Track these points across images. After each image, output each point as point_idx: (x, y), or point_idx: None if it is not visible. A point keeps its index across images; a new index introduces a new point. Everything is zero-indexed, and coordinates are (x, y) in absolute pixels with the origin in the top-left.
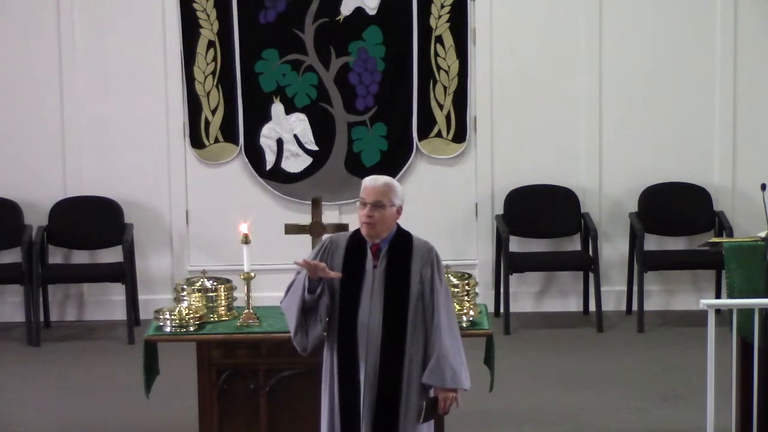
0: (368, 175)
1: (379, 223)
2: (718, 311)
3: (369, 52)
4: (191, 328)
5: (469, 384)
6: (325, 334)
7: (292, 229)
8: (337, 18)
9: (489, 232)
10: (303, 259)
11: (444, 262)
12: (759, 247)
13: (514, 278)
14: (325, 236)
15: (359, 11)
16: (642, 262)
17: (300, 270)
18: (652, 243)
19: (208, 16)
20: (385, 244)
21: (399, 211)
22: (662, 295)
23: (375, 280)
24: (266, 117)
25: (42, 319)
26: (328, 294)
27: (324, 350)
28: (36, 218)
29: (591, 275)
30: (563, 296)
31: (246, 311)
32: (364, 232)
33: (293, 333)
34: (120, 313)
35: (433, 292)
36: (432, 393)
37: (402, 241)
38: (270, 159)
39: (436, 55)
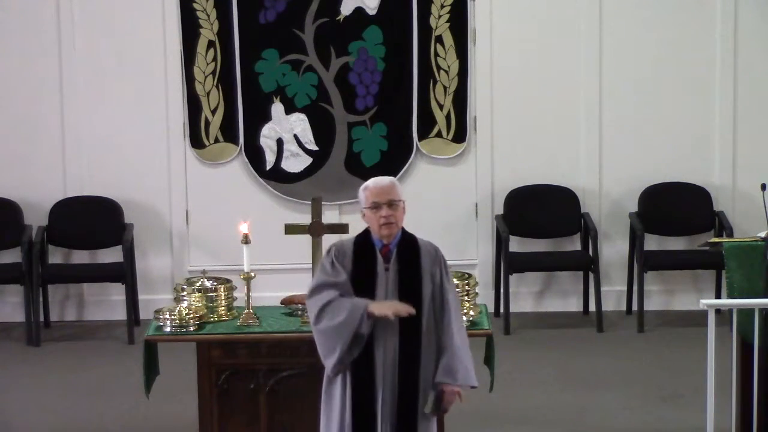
0: (368, 175)
1: (398, 221)
2: (718, 311)
3: (369, 52)
4: (191, 328)
5: (476, 381)
6: None
7: (292, 229)
8: (337, 18)
9: (489, 232)
10: (405, 310)
11: None
12: (759, 247)
13: (514, 278)
14: (328, 246)
15: (359, 11)
16: (642, 262)
17: (336, 291)
18: (652, 243)
19: (208, 16)
20: (394, 245)
21: (404, 209)
22: (662, 295)
23: (388, 283)
24: (266, 117)
25: (42, 319)
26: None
27: None
28: (36, 218)
29: (591, 275)
30: (563, 296)
31: (246, 311)
32: (384, 233)
33: (336, 360)
34: (120, 313)
35: (443, 291)
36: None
37: (409, 242)
38: (270, 159)
39: (436, 55)
